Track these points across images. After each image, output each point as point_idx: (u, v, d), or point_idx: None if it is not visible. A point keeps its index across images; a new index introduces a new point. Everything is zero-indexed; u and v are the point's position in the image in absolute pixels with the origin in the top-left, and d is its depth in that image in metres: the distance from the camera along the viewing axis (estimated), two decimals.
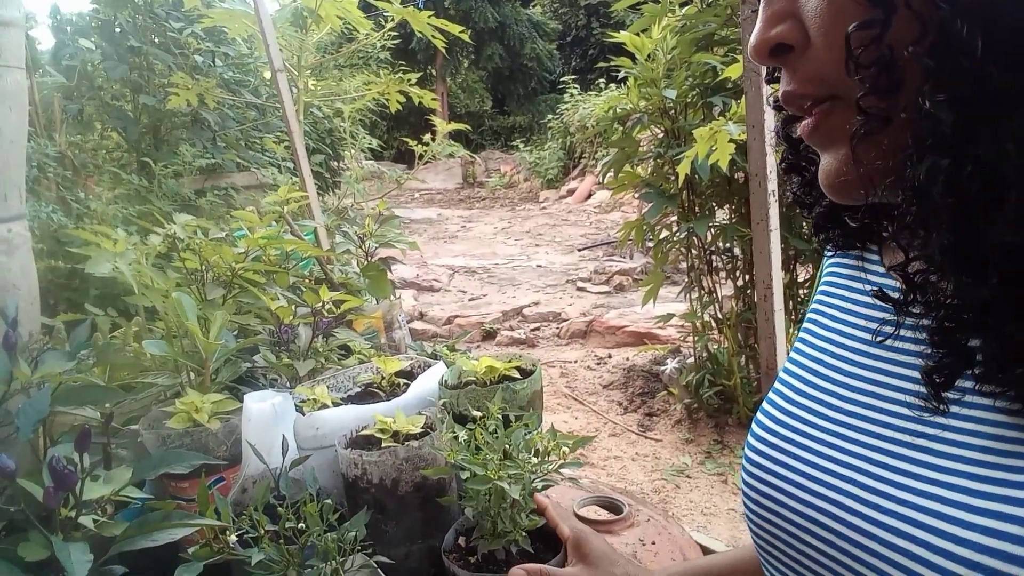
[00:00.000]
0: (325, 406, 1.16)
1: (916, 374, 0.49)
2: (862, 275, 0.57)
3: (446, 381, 1.15)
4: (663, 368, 4.26)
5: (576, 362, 4.87)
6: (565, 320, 5.67)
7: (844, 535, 0.50)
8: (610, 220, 9.92)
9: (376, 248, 1.86)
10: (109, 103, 3.20)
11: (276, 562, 0.88)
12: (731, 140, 2.36)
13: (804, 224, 3.08)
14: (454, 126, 2.90)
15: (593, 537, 0.85)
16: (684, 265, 3.85)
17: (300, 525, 0.88)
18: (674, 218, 3.64)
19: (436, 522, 0.97)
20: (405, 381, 1.25)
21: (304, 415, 1.12)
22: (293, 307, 1.44)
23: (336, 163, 4.97)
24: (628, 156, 3.59)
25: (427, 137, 2.82)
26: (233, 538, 0.84)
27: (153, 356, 1.24)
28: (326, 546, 0.87)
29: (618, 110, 3.65)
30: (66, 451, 0.70)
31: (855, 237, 0.58)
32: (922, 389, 0.47)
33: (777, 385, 0.64)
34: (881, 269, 0.56)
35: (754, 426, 0.63)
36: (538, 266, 7.82)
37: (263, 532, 0.86)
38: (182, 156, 3.23)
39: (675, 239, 3.64)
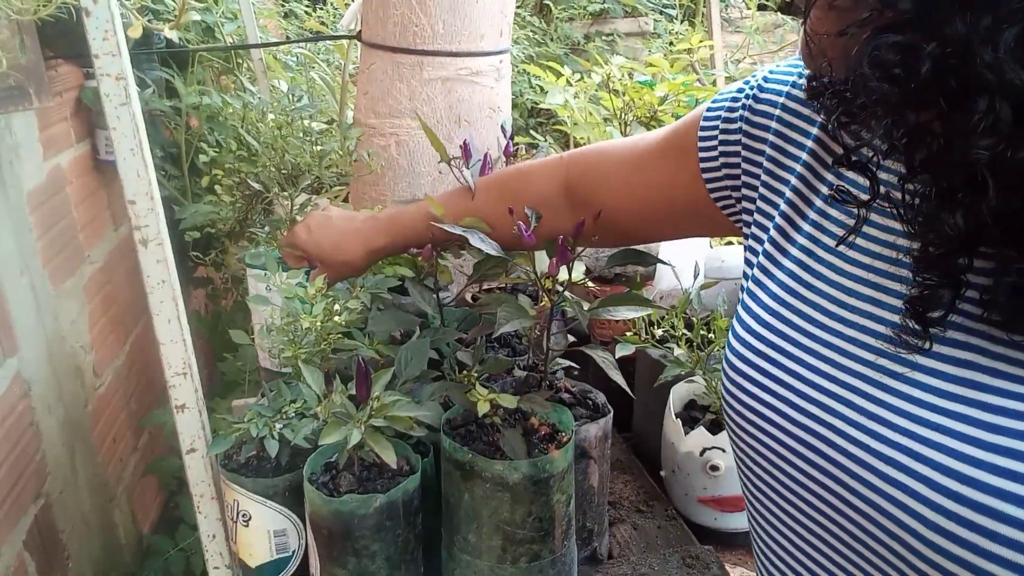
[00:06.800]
0: (730, 243, 1.27)
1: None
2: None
3: None
4: None
5: None
6: None
7: (836, 461, 0.45)
8: None
9: None
10: None
11: (683, 363, 1.05)
12: None
13: None
14: None
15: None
16: None
17: (710, 335, 1.03)
18: None
19: None
20: None
21: (711, 248, 1.24)
22: None
23: (727, 14, 4.80)
24: None
25: None
26: (659, 332, 1.02)
27: None
28: None
29: None
30: None
31: None
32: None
33: (758, 274, 0.55)
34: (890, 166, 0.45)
35: (735, 324, 0.56)
36: None
37: (680, 334, 1.02)
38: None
39: None
